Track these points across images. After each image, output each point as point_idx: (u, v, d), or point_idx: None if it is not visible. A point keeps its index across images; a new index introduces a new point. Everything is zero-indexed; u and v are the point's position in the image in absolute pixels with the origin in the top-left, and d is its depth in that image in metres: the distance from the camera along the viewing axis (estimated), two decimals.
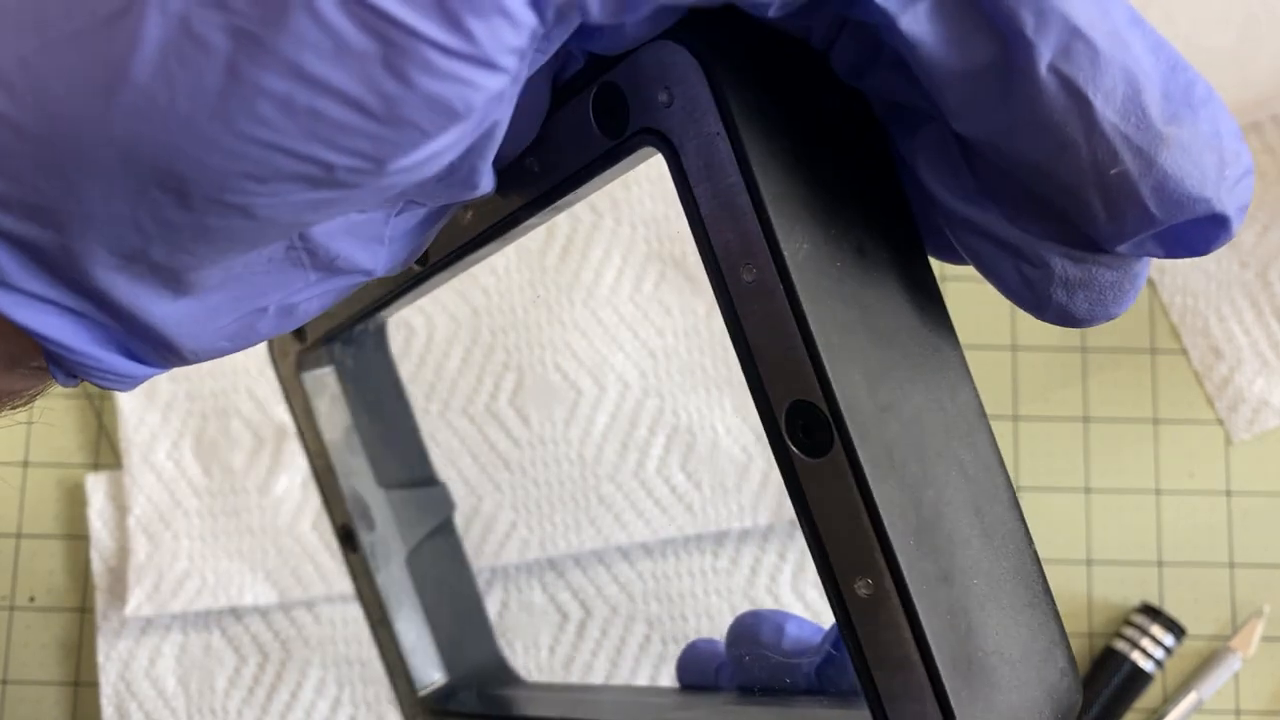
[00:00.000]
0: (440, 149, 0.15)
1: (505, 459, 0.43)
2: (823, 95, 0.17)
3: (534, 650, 0.42)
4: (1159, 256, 0.17)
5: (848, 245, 0.17)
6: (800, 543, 0.43)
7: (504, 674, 0.33)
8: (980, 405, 0.19)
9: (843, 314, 0.16)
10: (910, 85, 0.16)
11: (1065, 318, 0.18)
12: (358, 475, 0.32)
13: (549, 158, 0.19)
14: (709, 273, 0.17)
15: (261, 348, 0.44)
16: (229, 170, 0.15)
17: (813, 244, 0.16)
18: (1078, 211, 0.16)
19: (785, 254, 0.16)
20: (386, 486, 0.32)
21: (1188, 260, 0.45)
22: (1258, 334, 0.44)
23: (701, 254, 0.17)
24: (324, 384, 0.32)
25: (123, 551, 0.43)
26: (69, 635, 0.43)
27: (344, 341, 0.31)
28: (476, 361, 0.44)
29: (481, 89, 0.14)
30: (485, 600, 0.42)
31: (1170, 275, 0.45)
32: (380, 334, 0.32)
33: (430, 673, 0.32)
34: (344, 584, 0.42)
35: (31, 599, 0.44)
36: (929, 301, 0.18)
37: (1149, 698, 0.42)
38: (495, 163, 0.18)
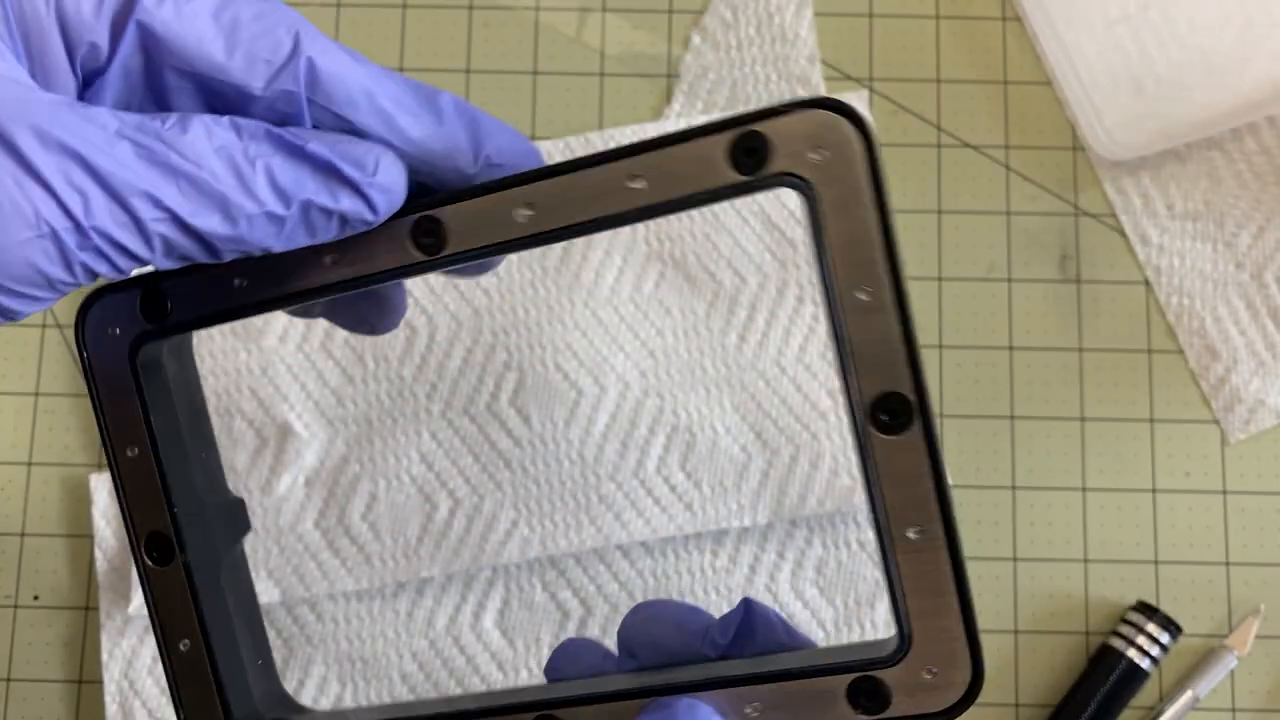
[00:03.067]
0: (41, 308, 0.23)
1: (506, 458, 0.43)
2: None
3: (535, 648, 0.43)
4: None
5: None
6: (799, 541, 0.43)
7: (288, 703, 0.31)
8: None
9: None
10: None
11: None
12: (176, 478, 0.28)
13: (663, 182, 0.23)
14: (824, 289, 0.22)
15: (268, 347, 0.44)
16: None
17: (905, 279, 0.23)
18: None
19: (902, 283, 0.22)
20: (203, 495, 0.29)
21: (1184, 261, 0.45)
22: (1253, 334, 0.45)
23: (821, 272, 0.22)
24: (156, 374, 0.28)
25: (126, 550, 0.43)
26: (73, 634, 0.44)
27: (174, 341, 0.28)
28: (478, 361, 0.44)
29: (31, 309, 0.22)
30: (485, 598, 0.43)
31: (1166, 276, 0.45)
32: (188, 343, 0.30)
33: (244, 704, 0.29)
34: (347, 582, 0.42)
35: (35, 597, 0.44)
36: None
37: (1145, 695, 0.43)
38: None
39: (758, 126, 0.22)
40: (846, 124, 0.22)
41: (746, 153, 0.22)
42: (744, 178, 0.22)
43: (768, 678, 0.24)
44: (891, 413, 0.22)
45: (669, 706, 0.24)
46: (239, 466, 0.44)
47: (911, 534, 0.22)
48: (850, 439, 0.43)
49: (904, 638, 0.23)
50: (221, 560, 0.29)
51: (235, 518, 0.30)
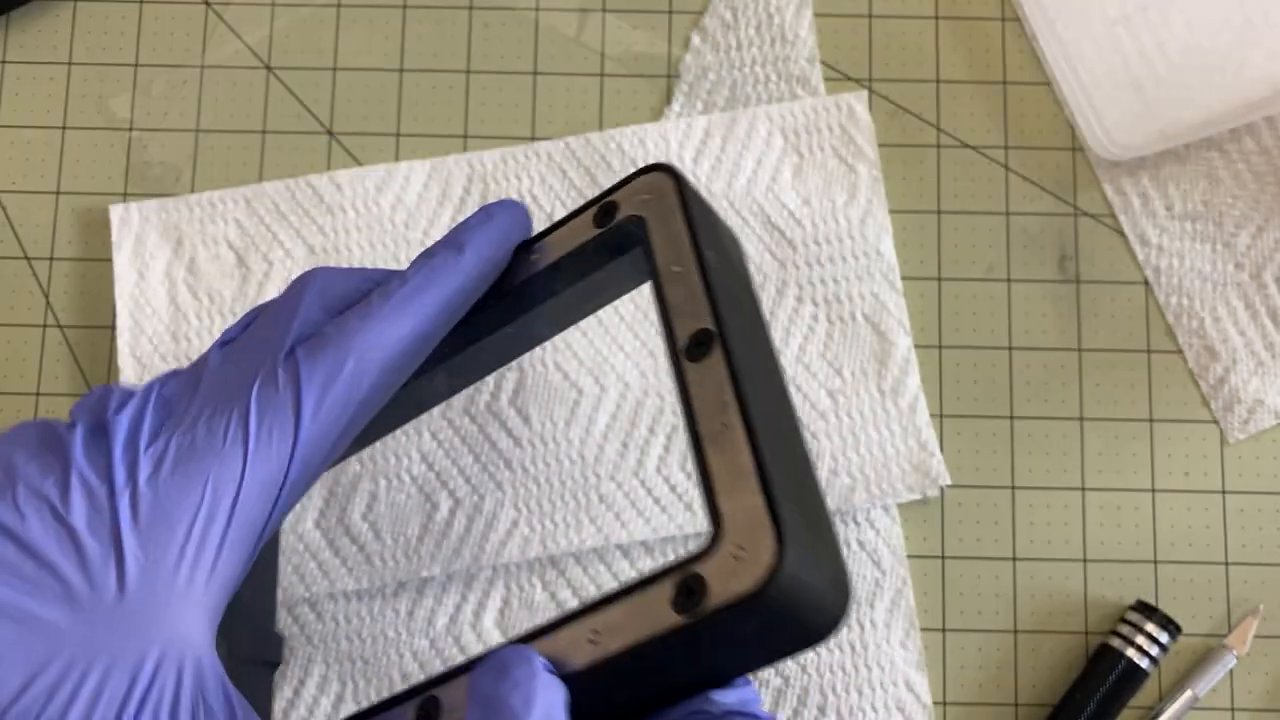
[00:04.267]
0: None
1: (506, 458, 0.43)
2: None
3: None
4: None
5: (731, 271, 0.29)
6: None
7: None
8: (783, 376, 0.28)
9: (727, 296, 0.28)
10: None
11: None
12: None
13: (549, 255, 0.31)
14: (651, 268, 0.29)
15: None
16: None
17: (716, 257, 0.28)
18: None
19: (706, 257, 0.28)
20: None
21: (1183, 261, 0.45)
22: (1253, 334, 0.45)
23: (650, 265, 0.29)
24: None
25: None
26: None
27: None
28: None
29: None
30: (486, 597, 0.43)
31: (1165, 276, 0.45)
32: None
33: None
34: (347, 581, 0.42)
35: None
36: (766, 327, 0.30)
37: (1145, 695, 0.43)
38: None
39: (612, 198, 0.31)
40: (664, 175, 0.30)
41: (604, 214, 0.31)
42: (599, 230, 0.31)
43: (598, 604, 0.24)
44: (700, 344, 0.26)
45: (499, 656, 0.24)
46: None
47: (719, 426, 0.25)
48: (849, 439, 0.43)
49: (716, 527, 0.24)
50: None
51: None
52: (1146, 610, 0.42)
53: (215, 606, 0.23)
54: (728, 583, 0.23)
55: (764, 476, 0.24)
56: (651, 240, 0.29)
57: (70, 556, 0.22)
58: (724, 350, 0.26)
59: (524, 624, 0.43)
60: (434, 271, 0.28)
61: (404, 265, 0.45)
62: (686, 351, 0.27)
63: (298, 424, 0.24)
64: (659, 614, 0.23)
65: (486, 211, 0.30)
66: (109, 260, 0.45)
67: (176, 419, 0.24)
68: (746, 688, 0.26)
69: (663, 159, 0.45)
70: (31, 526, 0.23)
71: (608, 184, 0.45)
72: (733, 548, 0.23)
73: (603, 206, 0.31)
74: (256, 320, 0.28)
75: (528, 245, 0.32)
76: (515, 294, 0.32)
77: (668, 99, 0.47)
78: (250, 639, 0.34)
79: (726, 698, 0.26)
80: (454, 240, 0.29)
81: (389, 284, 0.28)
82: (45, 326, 0.45)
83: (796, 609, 0.23)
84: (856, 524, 0.43)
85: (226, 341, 0.27)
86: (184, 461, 0.23)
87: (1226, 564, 0.44)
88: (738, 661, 0.25)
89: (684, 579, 0.23)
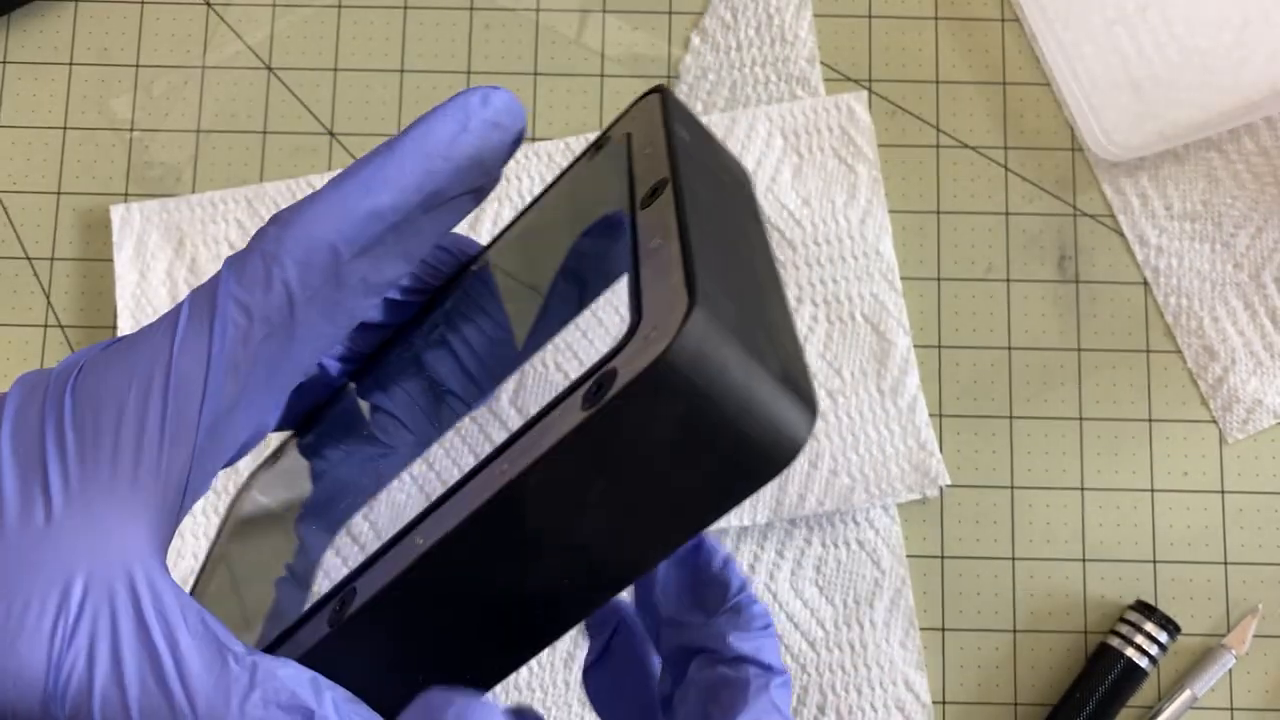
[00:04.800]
0: None
1: None
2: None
3: None
4: None
5: (710, 180, 0.26)
6: (798, 540, 0.43)
7: None
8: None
9: (690, 164, 0.25)
10: None
11: None
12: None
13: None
14: (629, 183, 0.26)
15: None
16: None
17: (688, 139, 0.27)
18: None
19: (676, 135, 0.26)
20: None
21: (1182, 261, 0.45)
22: (1251, 334, 0.45)
23: (629, 169, 0.26)
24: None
25: None
26: None
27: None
28: None
29: None
30: None
31: (1165, 276, 0.45)
32: None
33: None
34: None
35: None
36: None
37: (1144, 694, 0.43)
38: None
39: (607, 132, 0.29)
40: (653, 95, 0.29)
41: (596, 147, 0.29)
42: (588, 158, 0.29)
43: (518, 435, 0.21)
44: (654, 192, 0.24)
45: (425, 701, 0.22)
46: (240, 465, 0.44)
47: (653, 244, 0.22)
48: (849, 439, 0.43)
49: (635, 315, 0.20)
50: None
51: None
52: (1146, 610, 0.42)
53: (158, 509, 0.21)
54: (634, 364, 0.19)
55: (687, 258, 0.20)
56: (632, 152, 0.27)
57: None
58: (674, 187, 0.23)
59: None
60: (375, 151, 0.24)
61: None
62: (641, 203, 0.24)
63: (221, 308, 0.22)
64: (567, 419, 0.19)
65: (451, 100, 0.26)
66: (110, 260, 0.45)
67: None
68: (766, 635, 0.25)
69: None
70: None
71: None
72: (647, 329, 0.19)
73: (596, 141, 0.29)
74: None
75: (536, 200, 0.30)
76: (519, 243, 0.30)
77: None
78: None
79: (743, 644, 0.25)
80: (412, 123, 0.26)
81: (340, 172, 0.25)
82: (46, 326, 0.45)
83: (718, 394, 0.18)
84: (856, 524, 0.43)
85: None
86: (113, 360, 0.22)
87: (1225, 564, 0.44)
88: (666, 498, 0.20)
89: (598, 377, 0.19)
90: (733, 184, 0.28)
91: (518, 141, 0.25)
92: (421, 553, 0.22)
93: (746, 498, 0.20)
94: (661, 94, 0.28)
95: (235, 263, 0.23)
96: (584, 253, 0.30)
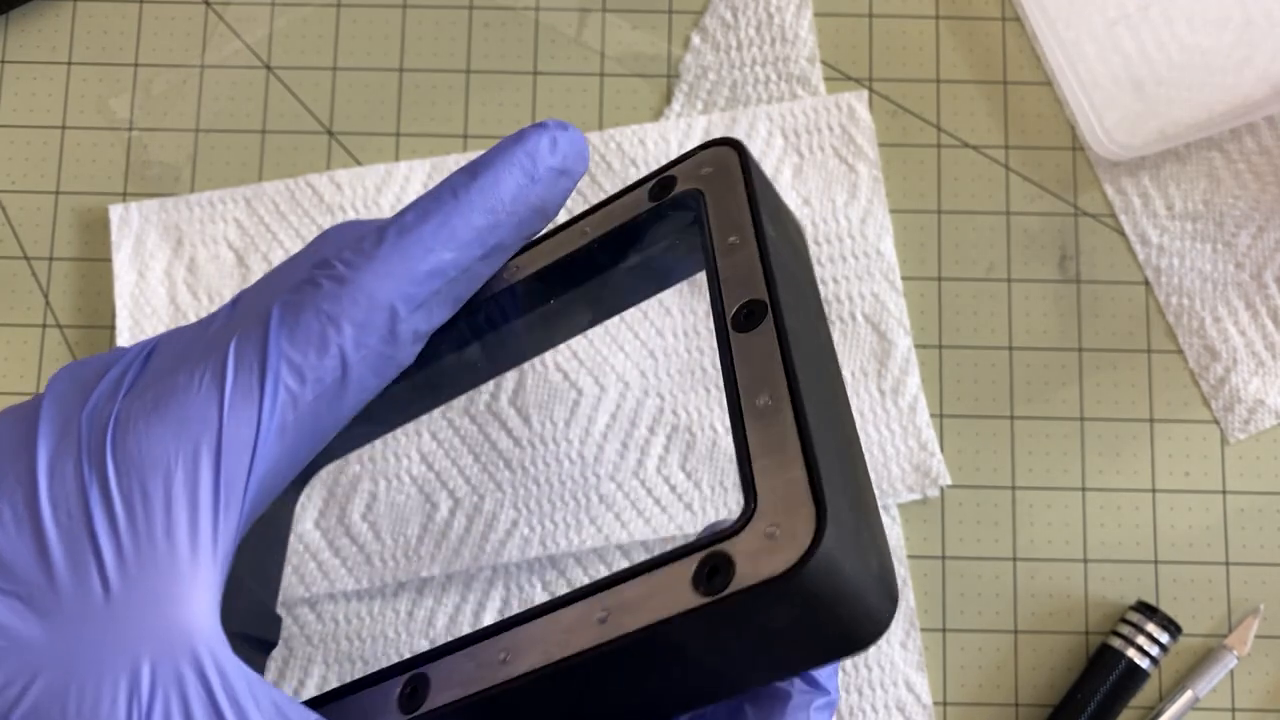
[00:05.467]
0: None
1: (506, 458, 0.43)
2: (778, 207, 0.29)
3: None
4: None
5: (787, 249, 0.28)
6: None
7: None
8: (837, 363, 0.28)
9: (783, 271, 0.26)
10: None
11: None
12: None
13: (602, 225, 0.30)
14: (704, 241, 0.27)
15: None
16: None
17: (775, 232, 0.27)
18: None
19: (765, 229, 0.26)
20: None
21: (1184, 261, 0.45)
22: (1253, 334, 0.45)
23: (704, 239, 0.27)
24: None
25: None
26: None
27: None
28: None
29: None
30: (486, 597, 0.43)
31: (1166, 276, 0.45)
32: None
33: None
34: (347, 582, 0.42)
35: None
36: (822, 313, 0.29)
37: (1145, 695, 0.43)
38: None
39: (671, 172, 0.29)
40: (727, 149, 0.29)
41: (661, 188, 0.29)
42: (655, 204, 0.29)
43: (611, 581, 0.22)
44: (750, 314, 0.25)
45: None
46: None
47: (760, 402, 0.23)
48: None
49: (750, 503, 0.21)
50: None
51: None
52: (1147, 610, 0.42)
53: (215, 583, 0.20)
54: (757, 563, 0.20)
55: (808, 452, 0.21)
56: (708, 213, 0.27)
57: (35, 556, 0.20)
58: (775, 320, 0.24)
59: None
60: (439, 200, 0.24)
61: None
62: (734, 321, 0.25)
63: (273, 364, 0.21)
64: (678, 594, 0.21)
65: (517, 134, 0.25)
66: (109, 260, 0.45)
67: (154, 372, 0.22)
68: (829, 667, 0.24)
69: (663, 159, 0.45)
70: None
71: (608, 184, 0.45)
72: (766, 525, 0.21)
73: (660, 180, 0.29)
74: (268, 273, 0.25)
75: (578, 219, 0.30)
76: (561, 267, 0.29)
77: (668, 99, 0.47)
78: (246, 614, 0.32)
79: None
80: (471, 165, 0.25)
81: (400, 216, 0.24)
82: (45, 326, 0.45)
83: (835, 600, 0.20)
84: None
85: (238, 300, 0.25)
86: (153, 420, 0.21)
87: (1227, 564, 0.44)
88: (763, 663, 0.22)
89: (709, 556, 0.21)
90: (799, 243, 0.30)
91: (575, 183, 0.25)
92: (509, 678, 0.22)
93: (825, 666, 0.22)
94: (741, 155, 0.28)
95: (288, 316, 0.22)
96: (616, 283, 0.31)
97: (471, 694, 0.23)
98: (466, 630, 0.43)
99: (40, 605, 0.20)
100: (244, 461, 0.21)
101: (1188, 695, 0.42)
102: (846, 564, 0.20)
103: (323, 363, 0.22)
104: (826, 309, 0.44)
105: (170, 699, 0.19)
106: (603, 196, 0.45)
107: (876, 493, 0.43)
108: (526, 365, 0.44)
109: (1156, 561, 0.44)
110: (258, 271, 0.45)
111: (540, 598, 0.43)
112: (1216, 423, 0.45)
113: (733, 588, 0.20)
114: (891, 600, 0.21)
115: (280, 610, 0.43)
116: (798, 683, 0.24)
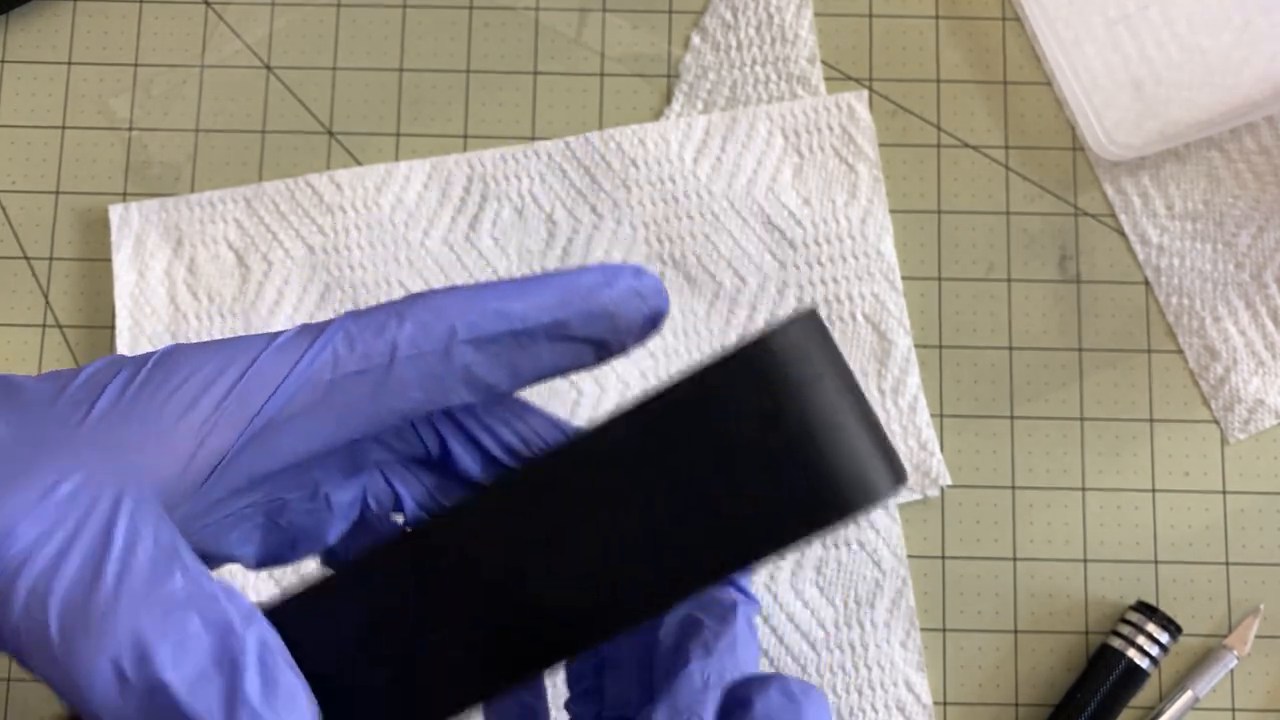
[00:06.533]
0: None
1: None
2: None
3: None
4: None
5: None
6: None
7: None
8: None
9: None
10: None
11: None
12: None
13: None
14: None
15: None
16: None
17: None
18: None
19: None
20: None
21: (1184, 261, 0.45)
22: (1253, 334, 0.45)
23: None
24: None
25: None
26: None
27: None
28: None
29: None
30: None
31: (1166, 276, 0.45)
32: None
33: None
34: None
35: None
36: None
37: (1145, 695, 0.43)
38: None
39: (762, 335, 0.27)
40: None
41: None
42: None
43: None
44: None
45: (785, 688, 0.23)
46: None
47: None
48: None
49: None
50: None
51: None
52: (1147, 610, 0.42)
53: (182, 470, 0.22)
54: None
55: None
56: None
57: (56, 389, 0.23)
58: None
59: None
60: (525, 277, 0.26)
61: (403, 265, 0.45)
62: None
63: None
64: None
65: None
66: (109, 260, 0.45)
67: None
68: (751, 640, 0.25)
69: (663, 159, 0.45)
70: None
71: (607, 183, 0.45)
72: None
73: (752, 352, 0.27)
74: None
75: None
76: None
77: (668, 99, 0.47)
78: None
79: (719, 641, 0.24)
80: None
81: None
82: (45, 326, 0.45)
83: (805, 408, 0.19)
84: (857, 524, 0.43)
85: None
86: (207, 345, 0.23)
87: (1227, 564, 0.44)
88: (730, 501, 0.20)
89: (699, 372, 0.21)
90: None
91: (654, 323, 0.25)
92: (462, 503, 0.22)
93: (808, 537, 0.20)
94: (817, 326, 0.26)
95: (359, 310, 0.24)
96: None
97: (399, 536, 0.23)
98: None
99: (30, 412, 0.22)
100: (266, 388, 0.23)
101: (1188, 695, 0.42)
102: (827, 378, 0.19)
103: (374, 342, 0.23)
104: (827, 309, 0.44)
105: (69, 515, 0.21)
106: (601, 195, 0.45)
107: None
108: None
109: (1156, 561, 0.44)
110: (257, 271, 0.45)
111: None
112: (1216, 423, 0.45)
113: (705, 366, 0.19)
114: (894, 474, 0.20)
115: None
116: (735, 592, 0.25)
